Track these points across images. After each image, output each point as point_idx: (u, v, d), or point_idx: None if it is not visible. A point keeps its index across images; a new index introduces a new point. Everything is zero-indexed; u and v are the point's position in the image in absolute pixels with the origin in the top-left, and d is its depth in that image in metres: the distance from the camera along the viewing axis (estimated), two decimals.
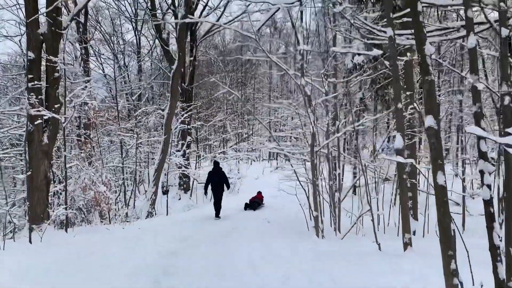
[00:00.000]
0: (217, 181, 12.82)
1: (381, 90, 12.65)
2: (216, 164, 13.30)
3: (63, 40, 9.50)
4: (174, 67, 14.24)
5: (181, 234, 9.53)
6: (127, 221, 12.57)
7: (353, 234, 8.99)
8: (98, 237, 8.60)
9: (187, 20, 11.59)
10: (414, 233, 10.20)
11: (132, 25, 26.36)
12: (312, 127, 7.98)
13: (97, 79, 22.50)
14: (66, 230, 9.29)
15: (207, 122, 22.34)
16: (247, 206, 14.78)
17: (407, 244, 5.94)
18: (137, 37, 25.90)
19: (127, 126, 15.96)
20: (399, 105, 5.87)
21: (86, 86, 9.36)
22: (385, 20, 6.89)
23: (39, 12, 9.71)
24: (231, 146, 25.70)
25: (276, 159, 25.59)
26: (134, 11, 24.90)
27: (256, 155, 23.49)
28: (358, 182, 15.08)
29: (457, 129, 16.29)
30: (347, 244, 7.81)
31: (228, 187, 13.36)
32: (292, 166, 11.23)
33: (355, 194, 17.14)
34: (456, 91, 12.96)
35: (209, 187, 12.96)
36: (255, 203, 14.92)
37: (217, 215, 12.77)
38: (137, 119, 15.22)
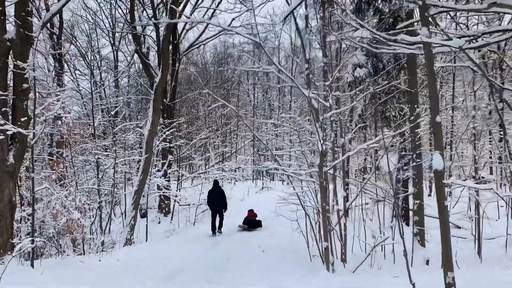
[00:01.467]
0: (216, 200, 13.28)
1: (381, 106, 11.84)
2: (216, 183, 13.76)
3: (33, 47, 8.32)
4: (157, 80, 13.14)
5: (168, 269, 8.31)
6: (103, 251, 11.25)
7: (366, 266, 7.95)
8: (70, 275, 7.30)
9: (174, 21, 10.59)
10: (427, 262, 9.29)
11: (109, 39, 25.27)
12: (321, 144, 7.01)
13: (71, 96, 21.13)
14: (32, 265, 7.95)
15: (189, 140, 21.16)
16: (248, 225, 13.73)
17: (450, 285, 4.94)
18: (115, 52, 24.76)
19: (104, 144, 14.66)
20: (438, 119, 4.96)
21: (59, 99, 8.17)
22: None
23: (6, 16, 8.58)
24: (213, 165, 24.55)
25: (262, 179, 24.52)
26: (111, 24, 23.81)
27: (240, 175, 22.41)
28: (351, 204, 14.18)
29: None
30: (367, 281, 6.78)
31: (225, 208, 13.62)
32: (292, 186, 10.17)
33: (347, 217, 16.30)
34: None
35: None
36: (250, 222, 13.86)
37: (214, 231, 13.16)
38: (114, 137, 13.95)
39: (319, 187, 7.13)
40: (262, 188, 22.25)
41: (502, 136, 12.64)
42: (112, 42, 24.82)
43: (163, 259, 9.73)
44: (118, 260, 9.37)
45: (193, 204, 18.39)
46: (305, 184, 14.73)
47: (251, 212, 14.66)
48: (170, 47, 16.55)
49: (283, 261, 8.90)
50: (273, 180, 25.51)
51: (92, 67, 23.32)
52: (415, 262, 9.13)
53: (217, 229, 13.36)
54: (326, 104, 8.17)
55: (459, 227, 13.80)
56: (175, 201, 18.47)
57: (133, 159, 17.38)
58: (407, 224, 15.23)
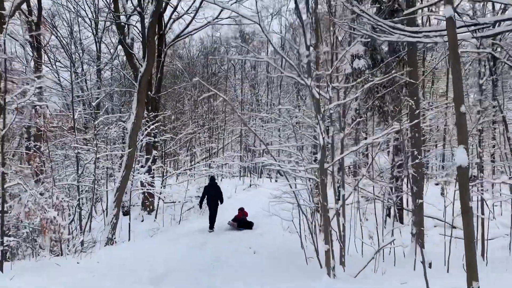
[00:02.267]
0: (213, 195, 13.41)
1: (378, 101, 11.32)
2: (212, 179, 14.02)
3: (4, 26, 7.51)
4: (142, 70, 12.37)
5: (154, 272, 7.61)
6: (82, 251, 10.49)
7: (368, 270, 7.37)
8: (44, 280, 6.56)
9: None
10: (430, 265, 8.77)
11: (92, 30, 24.27)
12: (323, 138, 6.40)
13: (49, 86, 20.11)
14: (1, 269, 7.19)
15: (175, 135, 20.36)
16: (238, 224, 13.19)
17: None
18: (97, 43, 23.79)
19: (85, 137, 13.81)
20: (462, 108, 4.39)
21: (33, 85, 7.36)
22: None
23: None
24: (198, 162, 23.81)
25: (250, 176, 23.87)
26: (94, 14, 22.84)
27: (227, 172, 21.73)
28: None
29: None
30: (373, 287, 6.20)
31: (222, 201, 13.70)
32: (289, 184, 9.55)
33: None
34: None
35: (205, 200, 13.60)
36: (241, 221, 13.28)
37: (211, 227, 13.21)
38: (96, 130, 13.12)
39: (319, 184, 6.53)
40: (250, 185, 21.62)
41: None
42: (94, 33, 23.85)
43: (148, 260, 9.03)
44: (99, 262, 8.63)
45: (179, 202, 17.67)
46: (299, 181, 14.20)
47: (241, 210, 14.06)
48: (156, 37, 15.79)
49: (277, 264, 8.30)
50: (260, 178, 24.91)
51: (74, 58, 22.33)
52: (418, 264, 8.64)
53: (209, 228, 13.32)
54: (326, 96, 7.57)
55: (455, 227, 13.41)
56: (159, 198, 17.72)
57: (116, 154, 16.57)
58: (401, 223, 14.81)
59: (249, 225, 13.42)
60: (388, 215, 15.49)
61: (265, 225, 13.87)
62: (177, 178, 22.94)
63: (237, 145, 29.80)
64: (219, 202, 13.53)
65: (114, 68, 22.83)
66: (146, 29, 13.97)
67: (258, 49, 32.06)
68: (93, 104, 10.46)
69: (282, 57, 8.08)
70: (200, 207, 14.26)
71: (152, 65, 12.93)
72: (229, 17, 19.69)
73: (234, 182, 22.13)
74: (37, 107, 10.01)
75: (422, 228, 9.87)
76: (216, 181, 14.26)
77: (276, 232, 12.50)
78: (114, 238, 12.27)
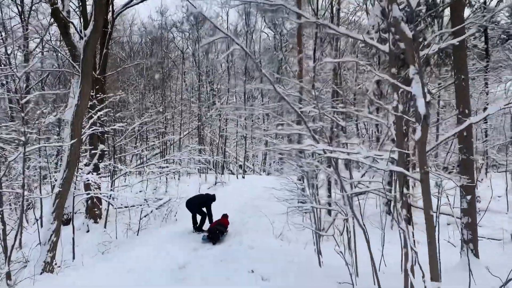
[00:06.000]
0: (192, 202, 11.97)
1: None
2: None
3: None
4: (88, 31, 9.09)
5: None
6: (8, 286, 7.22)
7: None
8: None
9: None
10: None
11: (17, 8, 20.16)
12: (425, 102, 3.82)
13: None
14: None
15: (126, 125, 16.93)
16: (207, 237, 10.21)
17: None
18: (24, 22, 19.73)
19: (7, 124, 10.20)
20: None
21: None
22: None
23: None
24: (149, 159, 20.50)
25: (216, 173, 20.90)
26: None
27: (187, 168, 18.63)
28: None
29: None
30: None
31: (210, 218, 11.79)
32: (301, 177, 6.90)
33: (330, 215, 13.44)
34: None
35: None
36: (216, 231, 10.32)
37: (197, 229, 11.54)
38: (24, 112, 9.39)
39: (422, 180, 3.92)
40: (216, 183, 18.72)
41: None
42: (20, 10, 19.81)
43: None
44: None
45: (133, 206, 14.45)
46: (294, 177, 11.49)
47: (224, 218, 11.31)
48: None
49: None
50: (222, 174, 22.06)
51: None
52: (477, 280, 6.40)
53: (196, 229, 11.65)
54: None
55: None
56: (108, 203, 14.34)
57: (53, 147, 13.02)
58: (409, 223, 12.67)
59: (222, 233, 10.57)
60: (388, 212, 13.34)
61: (250, 232, 11.17)
62: (125, 178, 19.56)
63: (195, 137, 26.65)
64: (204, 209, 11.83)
65: (47, 43, 18.73)
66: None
67: (210, 33, 29.00)
68: (19, 75, 7.16)
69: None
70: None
71: (101, 26, 9.68)
72: None
73: (197, 180, 19.08)
74: None
75: (475, 233, 7.66)
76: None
77: (269, 243, 9.84)
78: (54, 262, 8.96)
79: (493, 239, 9.39)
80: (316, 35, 13.45)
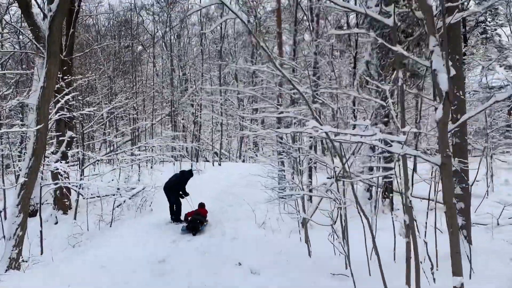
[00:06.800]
0: (168, 186, 11.42)
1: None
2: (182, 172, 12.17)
3: None
4: (53, 6, 8.25)
5: None
6: None
7: None
8: None
9: None
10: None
11: None
12: (447, 78, 3.40)
13: None
14: None
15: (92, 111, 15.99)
16: (187, 228, 9.65)
17: None
18: None
19: None
20: None
21: None
22: None
23: None
24: (119, 146, 19.63)
25: (191, 160, 20.20)
26: None
27: (162, 156, 17.89)
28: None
29: None
30: None
31: (183, 195, 11.58)
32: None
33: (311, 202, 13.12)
34: None
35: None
36: (196, 221, 9.76)
37: (175, 220, 10.97)
38: None
39: (443, 165, 3.50)
40: (192, 171, 18.06)
41: None
42: None
43: None
44: None
45: (105, 196, 13.68)
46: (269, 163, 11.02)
47: (201, 208, 10.79)
48: None
49: None
50: (197, 162, 21.42)
51: None
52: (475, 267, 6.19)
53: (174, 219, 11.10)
54: None
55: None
56: (78, 193, 13.50)
57: (13, 141, 12.05)
58: (392, 209, 12.48)
59: (202, 223, 10.03)
60: (370, 198, 13.12)
61: (231, 221, 10.70)
62: (95, 167, 18.65)
63: (168, 123, 25.78)
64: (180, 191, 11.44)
65: (6, 26, 17.41)
66: None
67: (182, 20, 27.96)
68: None
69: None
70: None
71: (67, 2, 8.83)
72: None
73: (171, 168, 18.39)
74: None
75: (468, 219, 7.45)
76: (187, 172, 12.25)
77: (252, 233, 9.40)
78: (21, 258, 8.23)
79: (480, 224, 9.25)
80: (296, 15, 12.95)
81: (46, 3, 14.38)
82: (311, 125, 3.86)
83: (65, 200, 12.98)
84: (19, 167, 11.49)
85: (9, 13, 18.78)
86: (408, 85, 8.25)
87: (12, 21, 20.99)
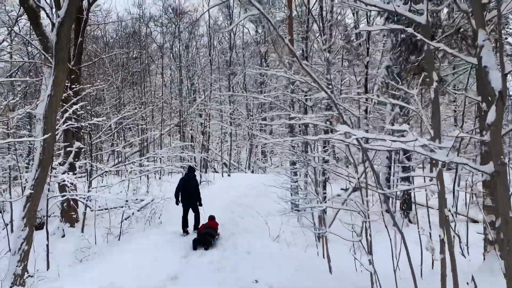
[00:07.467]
0: (189, 193, 10.79)
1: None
2: (191, 170, 11.26)
3: None
4: (61, 13, 8.01)
5: None
6: None
7: None
8: None
9: None
10: None
11: None
12: (502, 75, 3.03)
13: None
14: None
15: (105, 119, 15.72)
16: (198, 242, 9.22)
17: None
18: None
19: None
20: None
21: None
22: None
23: None
24: (127, 157, 19.32)
25: (200, 171, 19.85)
26: None
27: (170, 166, 17.57)
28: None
29: None
30: None
31: (200, 203, 11.04)
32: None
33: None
34: None
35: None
36: (207, 235, 9.33)
37: (185, 229, 10.74)
38: None
39: (493, 177, 3.12)
40: (200, 182, 17.73)
41: None
42: None
43: None
44: None
45: (113, 208, 13.34)
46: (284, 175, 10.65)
47: (212, 221, 10.38)
48: None
49: None
50: (206, 173, 21.05)
51: None
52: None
53: (193, 229, 10.88)
54: None
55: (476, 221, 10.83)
56: (86, 205, 13.17)
57: (22, 142, 11.78)
58: (410, 222, 12.02)
59: (213, 237, 9.56)
60: (387, 210, 12.66)
61: (244, 234, 10.28)
62: (103, 178, 18.34)
63: (176, 134, 25.47)
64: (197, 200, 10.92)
65: (16, 34, 17.27)
66: None
67: (192, 24, 27.81)
68: None
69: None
70: (177, 203, 11.06)
71: (76, 5, 8.59)
72: None
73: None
74: None
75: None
76: (195, 173, 11.68)
77: (267, 247, 8.97)
78: (26, 273, 7.86)
79: None
80: (308, 22, 12.66)
81: (54, 11, 14.32)
82: (342, 130, 3.48)
83: (73, 212, 12.64)
84: (26, 179, 11.19)
85: (18, 24, 18.69)
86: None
87: (21, 32, 20.97)
